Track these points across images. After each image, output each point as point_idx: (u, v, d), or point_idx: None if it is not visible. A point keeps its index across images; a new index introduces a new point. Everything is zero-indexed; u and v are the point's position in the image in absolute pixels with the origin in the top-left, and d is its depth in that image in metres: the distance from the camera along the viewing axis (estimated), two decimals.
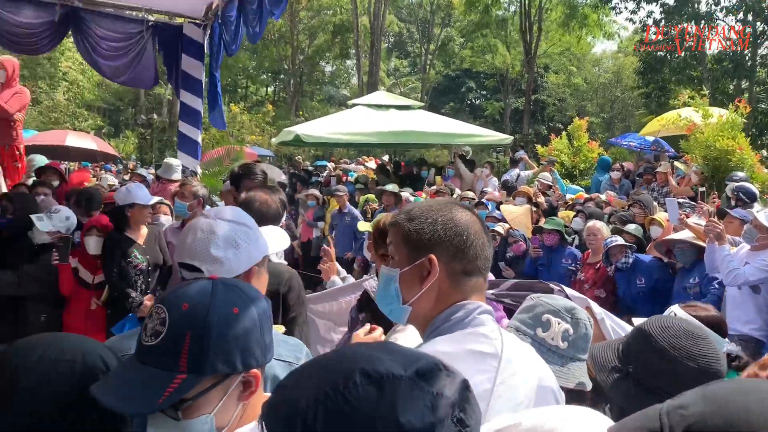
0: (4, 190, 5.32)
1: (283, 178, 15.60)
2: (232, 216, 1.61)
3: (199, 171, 6.88)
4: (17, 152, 6.57)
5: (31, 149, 7.60)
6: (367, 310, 2.10)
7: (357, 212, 8.73)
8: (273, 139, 15.77)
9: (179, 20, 6.87)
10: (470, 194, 8.99)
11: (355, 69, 35.44)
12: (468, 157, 12.27)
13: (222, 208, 1.66)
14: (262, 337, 1.16)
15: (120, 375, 1.11)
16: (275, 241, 1.78)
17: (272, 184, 4.19)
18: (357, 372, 0.76)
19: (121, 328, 4.31)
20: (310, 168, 16.82)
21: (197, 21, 6.66)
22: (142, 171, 9.44)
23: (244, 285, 1.21)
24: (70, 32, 6.63)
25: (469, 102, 39.22)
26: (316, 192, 10.58)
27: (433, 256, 1.31)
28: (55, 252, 4.28)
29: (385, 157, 18.18)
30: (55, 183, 5.82)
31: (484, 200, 8.33)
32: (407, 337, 1.90)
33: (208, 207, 5.57)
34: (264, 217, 2.79)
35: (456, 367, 1.20)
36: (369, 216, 8.91)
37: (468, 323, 1.31)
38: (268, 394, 1.26)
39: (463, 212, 1.37)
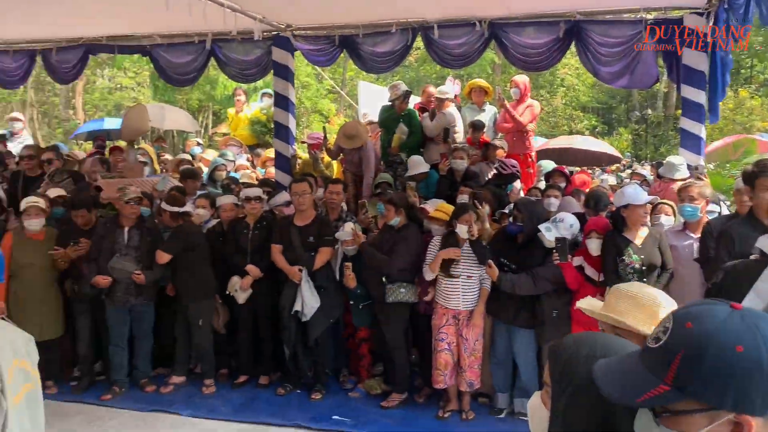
0: (522, 195, 6.14)
1: None
2: None
3: (705, 168, 6.48)
4: (530, 159, 7.50)
5: (541, 155, 8.54)
6: None
7: None
8: None
9: (677, 13, 6.59)
10: None
11: None
12: None
13: None
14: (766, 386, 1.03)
15: (620, 363, 1.19)
16: None
17: None
18: None
19: None
20: None
21: (699, 10, 6.27)
22: (642, 170, 9.43)
23: None
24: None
25: None
26: None
27: None
28: (556, 253, 4.79)
29: None
30: (562, 185, 6.38)
31: None
32: None
33: (713, 204, 5.26)
34: None
35: None
36: None
37: None
38: None
39: None
